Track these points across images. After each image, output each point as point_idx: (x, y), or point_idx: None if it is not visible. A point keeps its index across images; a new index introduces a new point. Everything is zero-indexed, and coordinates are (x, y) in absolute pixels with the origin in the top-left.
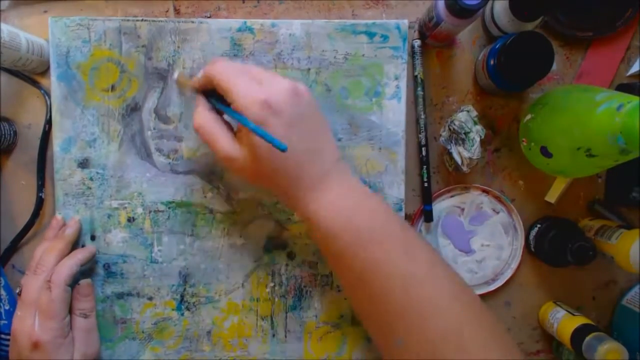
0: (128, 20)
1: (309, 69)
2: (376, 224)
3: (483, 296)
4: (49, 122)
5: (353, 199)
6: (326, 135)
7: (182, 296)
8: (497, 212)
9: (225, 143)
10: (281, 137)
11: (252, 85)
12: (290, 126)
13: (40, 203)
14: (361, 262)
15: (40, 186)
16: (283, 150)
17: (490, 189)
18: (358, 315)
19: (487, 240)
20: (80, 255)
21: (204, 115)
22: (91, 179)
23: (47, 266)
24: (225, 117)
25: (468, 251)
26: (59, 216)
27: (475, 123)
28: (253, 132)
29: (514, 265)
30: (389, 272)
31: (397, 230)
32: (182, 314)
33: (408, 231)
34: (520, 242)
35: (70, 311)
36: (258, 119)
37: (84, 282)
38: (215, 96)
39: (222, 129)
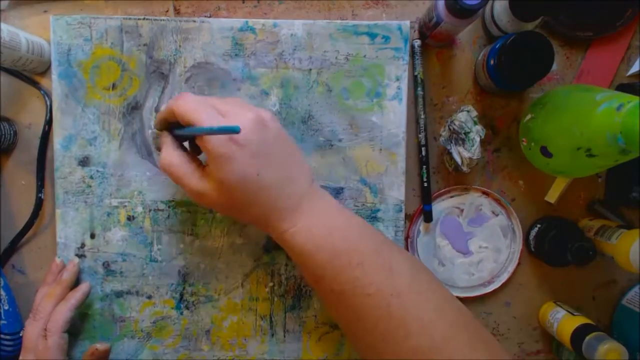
0: (130, 18)
1: (310, 69)
2: (352, 244)
3: (480, 297)
4: (48, 122)
5: (327, 221)
6: (297, 161)
7: (181, 295)
8: (496, 215)
9: (193, 180)
10: (247, 167)
11: (216, 119)
12: (257, 157)
13: (39, 203)
14: (340, 283)
15: (40, 187)
16: (237, 132)
17: (490, 190)
18: (344, 334)
19: (485, 242)
20: (73, 301)
21: (170, 153)
22: (91, 177)
23: (45, 312)
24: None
25: (466, 252)
26: (58, 260)
27: (475, 123)
28: (205, 133)
29: (511, 269)
30: (369, 292)
31: (374, 247)
32: (181, 313)
33: (387, 246)
34: (518, 246)
35: None
36: (223, 153)
37: (103, 346)
38: (178, 128)
39: (190, 166)
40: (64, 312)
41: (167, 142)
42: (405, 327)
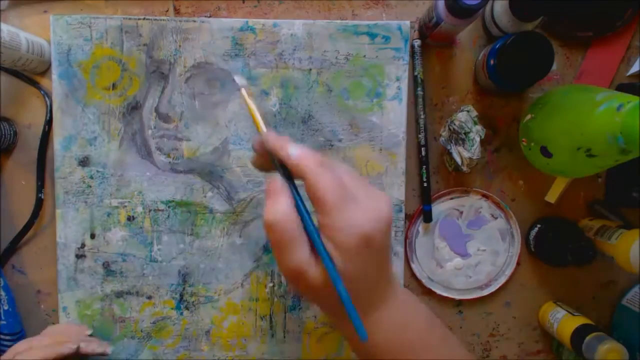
0: (130, 18)
1: (310, 70)
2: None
3: (481, 298)
4: (48, 122)
5: (402, 316)
6: (389, 257)
7: (181, 295)
8: (496, 218)
9: (300, 254)
10: (359, 270)
11: (351, 207)
12: (375, 262)
13: (39, 204)
14: None
15: (40, 187)
16: (363, 340)
17: (490, 193)
18: None
19: (483, 245)
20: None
21: (283, 211)
22: (91, 177)
23: None
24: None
25: (464, 254)
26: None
27: (475, 123)
28: (343, 302)
29: (509, 272)
30: None
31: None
32: (181, 313)
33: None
34: (516, 250)
35: None
36: (352, 259)
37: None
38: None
39: (302, 235)
40: None
41: (284, 193)
42: None
